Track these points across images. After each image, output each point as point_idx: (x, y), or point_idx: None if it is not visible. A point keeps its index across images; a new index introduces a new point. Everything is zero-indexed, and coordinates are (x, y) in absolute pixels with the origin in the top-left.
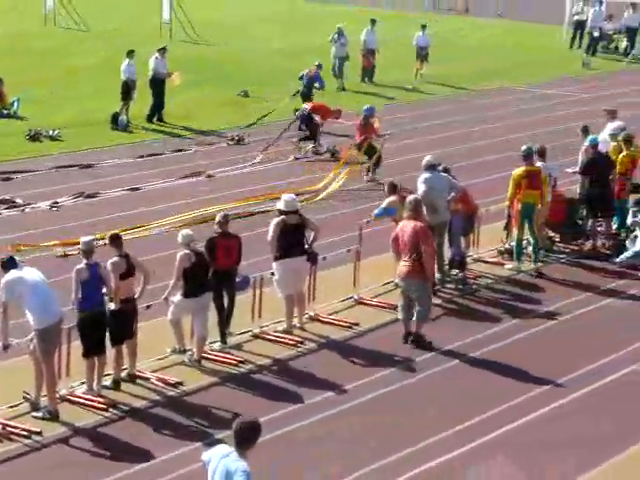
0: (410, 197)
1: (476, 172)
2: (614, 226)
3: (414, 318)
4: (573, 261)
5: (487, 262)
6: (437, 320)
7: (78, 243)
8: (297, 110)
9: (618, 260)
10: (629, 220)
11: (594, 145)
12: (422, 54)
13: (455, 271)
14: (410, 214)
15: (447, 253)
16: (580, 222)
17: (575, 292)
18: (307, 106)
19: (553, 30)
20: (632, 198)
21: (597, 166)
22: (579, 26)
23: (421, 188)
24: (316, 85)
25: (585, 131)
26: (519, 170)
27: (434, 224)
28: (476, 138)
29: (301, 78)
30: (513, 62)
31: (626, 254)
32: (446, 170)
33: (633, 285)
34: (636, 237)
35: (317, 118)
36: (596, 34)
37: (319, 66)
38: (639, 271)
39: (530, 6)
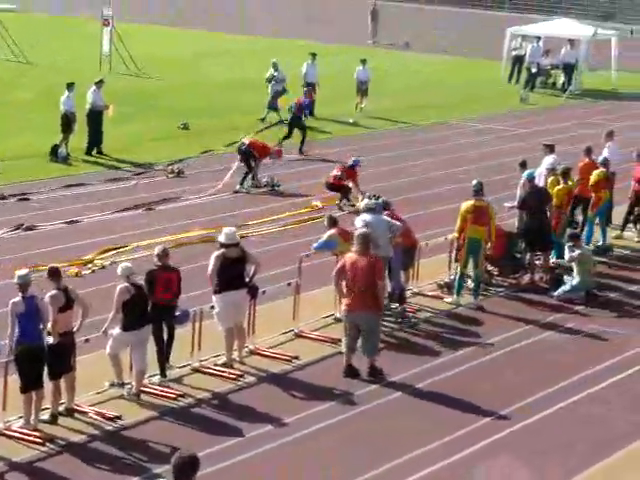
0: (359, 231)
1: (419, 205)
2: (552, 260)
3: (365, 351)
4: (511, 295)
5: (427, 296)
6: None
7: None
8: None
9: (556, 294)
10: (566, 256)
11: (531, 179)
12: (362, 88)
13: (395, 304)
14: (360, 248)
15: (387, 287)
16: (518, 255)
17: (513, 325)
18: (246, 141)
19: (492, 65)
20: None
21: (534, 200)
22: (517, 61)
23: (359, 225)
24: (306, 112)
25: (523, 165)
26: (467, 204)
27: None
28: (419, 171)
29: (291, 109)
30: (453, 97)
31: (563, 288)
32: (386, 204)
33: (570, 319)
34: (573, 271)
35: (255, 154)
36: (534, 70)
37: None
38: (576, 305)
39: (469, 42)
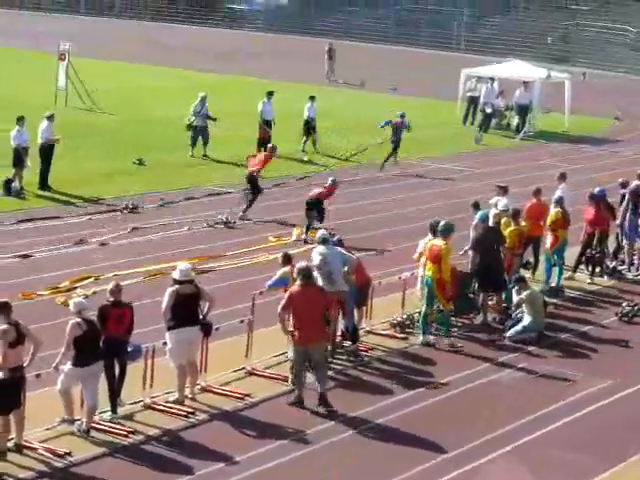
0: (300, 265)
1: (372, 244)
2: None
3: (317, 382)
4: (465, 335)
5: (380, 334)
6: (329, 392)
7: None
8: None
9: (508, 335)
10: (514, 299)
11: (484, 220)
12: (311, 125)
13: (348, 343)
14: (304, 280)
15: (339, 324)
16: (471, 296)
17: (466, 366)
18: (251, 168)
19: (448, 106)
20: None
21: (488, 241)
22: (472, 102)
23: (316, 259)
24: (405, 131)
25: (476, 207)
26: (427, 243)
27: (330, 293)
28: (374, 210)
29: (392, 125)
30: (408, 137)
31: (515, 329)
32: (340, 242)
33: (522, 359)
34: (524, 312)
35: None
36: (488, 111)
37: (402, 115)
38: (528, 346)
39: (425, 82)
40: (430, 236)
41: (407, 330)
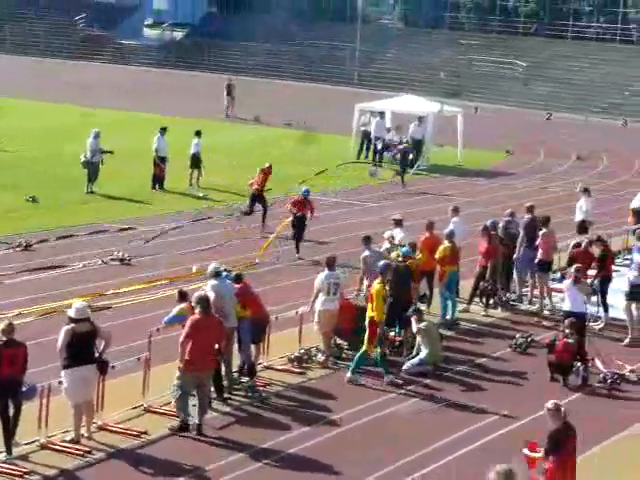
0: (199, 294)
1: (268, 278)
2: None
3: (200, 409)
4: (364, 368)
5: (277, 370)
6: (226, 428)
7: None
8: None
9: (404, 368)
10: (414, 328)
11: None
12: (196, 161)
13: (245, 378)
14: (205, 310)
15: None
16: None
17: (364, 399)
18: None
19: (343, 140)
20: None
21: (400, 278)
22: (366, 137)
23: (210, 295)
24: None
25: (366, 241)
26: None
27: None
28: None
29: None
30: (301, 170)
31: (412, 362)
32: (239, 277)
33: (419, 392)
34: (420, 345)
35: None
36: (379, 145)
37: (407, 142)
38: (425, 378)
39: (320, 116)
40: (327, 271)
41: (304, 365)
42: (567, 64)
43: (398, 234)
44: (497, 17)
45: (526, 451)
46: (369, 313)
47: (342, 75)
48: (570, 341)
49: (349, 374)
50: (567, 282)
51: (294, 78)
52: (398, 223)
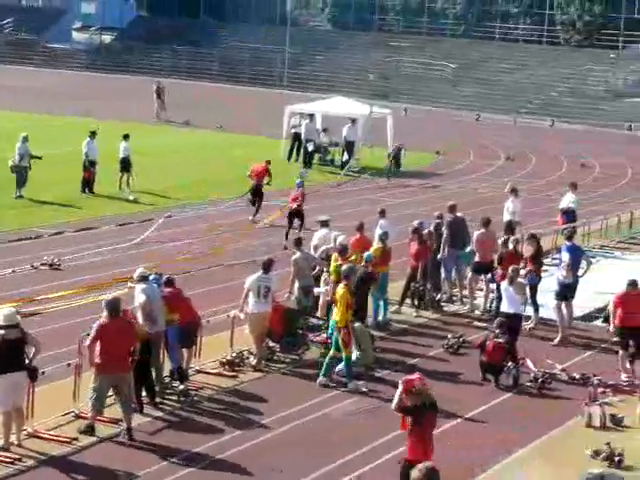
0: (107, 298)
1: (203, 281)
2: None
3: (124, 411)
4: (293, 371)
5: (210, 373)
6: (158, 433)
7: None
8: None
9: (336, 370)
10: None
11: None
12: (126, 165)
13: (176, 383)
14: (110, 313)
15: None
16: (300, 332)
17: (295, 402)
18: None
19: (273, 143)
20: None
21: (361, 284)
22: (296, 139)
23: (141, 298)
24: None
25: (298, 244)
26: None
27: (153, 333)
28: (205, 247)
29: (389, 155)
30: (234, 173)
31: (343, 363)
32: (170, 281)
33: (351, 394)
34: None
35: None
36: (310, 147)
37: (337, 143)
38: (357, 379)
39: (251, 119)
40: (260, 273)
41: (236, 368)
42: (495, 65)
43: (340, 236)
44: (425, 19)
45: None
46: (334, 317)
47: (272, 78)
48: (500, 341)
49: (321, 378)
50: (504, 283)
51: (224, 81)
52: (324, 224)
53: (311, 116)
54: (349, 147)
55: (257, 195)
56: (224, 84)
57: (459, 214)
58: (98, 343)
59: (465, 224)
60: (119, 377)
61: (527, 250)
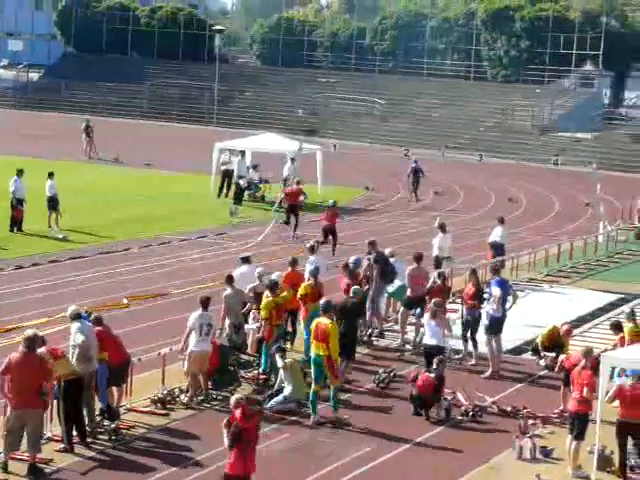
0: (27, 333)
1: (126, 321)
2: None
3: (30, 448)
4: (226, 408)
5: (141, 411)
6: (90, 472)
7: None
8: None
9: (268, 405)
10: (279, 364)
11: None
12: (53, 203)
13: (107, 422)
14: (28, 349)
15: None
16: (231, 368)
17: None
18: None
19: (202, 180)
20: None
21: (348, 311)
22: (226, 175)
23: (79, 338)
24: (420, 175)
25: (228, 280)
26: (315, 321)
27: (87, 373)
28: (132, 286)
29: (409, 175)
30: (163, 210)
31: (276, 399)
32: (98, 320)
33: (283, 430)
34: (284, 382)
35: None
36: (242, 183)
37: (416, 162)
38: (290, 415)
39: (180, 156)
40: (200, 311)
41: (168, 406)
42: (424, 101)
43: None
44: (354, 55)
45: None
46: (322, 352)
47: (201, 114)
48: (431, 375)
49: (313, 417)
50: (426, 316)
51: (153, 118)
52: (245, 261)
53: (242, 153)
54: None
55: (293, 213)
56: (154, 121)
57: (386, 250)
58: (8, 377)
59: (388, 259)
60: (27, 412)
61: (468, 286)
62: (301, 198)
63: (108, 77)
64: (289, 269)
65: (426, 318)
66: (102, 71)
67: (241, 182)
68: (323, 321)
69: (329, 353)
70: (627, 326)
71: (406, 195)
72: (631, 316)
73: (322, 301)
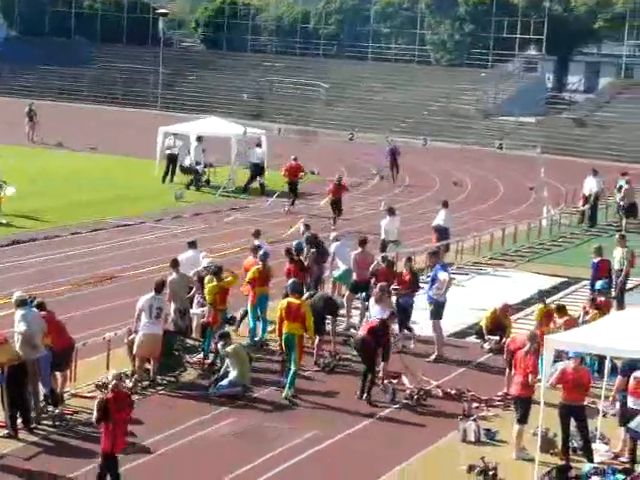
0: None
1: (77, 304)
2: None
3: None
4: (171, 393)
5: (85, 397)
6: (34, 458)
7: None
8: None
9: (211, 391)
10: (221, 351)
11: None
12: None
13: (51, 407)
14: None
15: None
16: (177, 353)
17: (171, 425)
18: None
19: (146, 164)
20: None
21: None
22: (171, 160)
23: (22, 327)
24: (397, 156)
25: (174, 265)
26: (282, 302)
27: (31, 360)
28: (76, 271)
29: (387, 157)
30: (107, 195)
31: (221, 383)
32: (41, 305)
33: (229, 414)
34: (229, 367)
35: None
36: (200, 168)
37: (393, 145)
38: (236, 400)
39: (123, 140)
40: (152, 294)
41: None
42: (368, 85)
43: (206, 258)
44: (299, 39)
45: None
46: (296, 331)
47: (145, 98)
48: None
49: (287, 391)
50: (371, 300)
51: (96, 102)
52: (191, 245)
53: (199, 138)
54: (256, 169)
55: (291, 190)
56: (97, 105)
57: (331, 234)
58: None
59: (320, 241)
60: None
61: (403, 272)
62: (300, 175)
63: (52, 61)
64: (250, 256)
65: (371, 302)
66: (46, 55)
67: (198, 168)
68: (294, 301)
69: (304, 332)
70: (538, 307)
71: (352, 179)
72: (541, 297)
73: (290, 281)
